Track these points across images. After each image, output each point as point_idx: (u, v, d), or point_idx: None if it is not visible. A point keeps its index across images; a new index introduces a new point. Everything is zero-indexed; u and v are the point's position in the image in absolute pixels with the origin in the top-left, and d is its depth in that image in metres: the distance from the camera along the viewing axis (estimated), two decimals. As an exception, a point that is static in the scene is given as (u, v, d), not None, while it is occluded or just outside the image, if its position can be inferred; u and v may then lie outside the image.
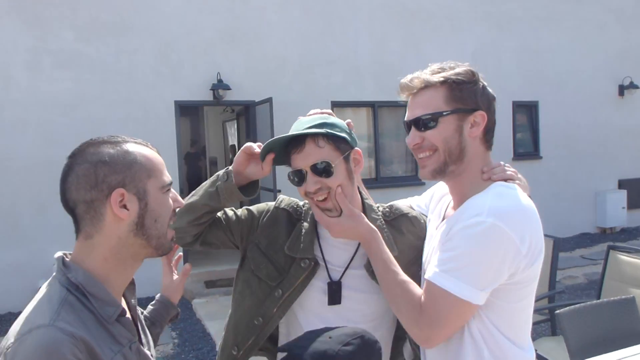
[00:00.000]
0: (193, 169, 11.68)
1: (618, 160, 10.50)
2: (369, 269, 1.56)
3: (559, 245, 4.21)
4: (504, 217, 1.26)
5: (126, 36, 6.96)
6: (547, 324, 4.37)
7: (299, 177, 1.54)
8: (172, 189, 1.26)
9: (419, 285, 1.48)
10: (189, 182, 9.30)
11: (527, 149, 9.72)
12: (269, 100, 7.06)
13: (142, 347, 1.25)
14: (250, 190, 1.69)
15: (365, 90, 8.29)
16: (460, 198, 1.43)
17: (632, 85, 10.55)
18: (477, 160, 1.42)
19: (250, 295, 1.68)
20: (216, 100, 7.42)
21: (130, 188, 1.15)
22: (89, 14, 6.78)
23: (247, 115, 7.94)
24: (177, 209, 1.28)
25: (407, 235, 1.66)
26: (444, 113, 1.37)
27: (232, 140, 10.09)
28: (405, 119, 1.47)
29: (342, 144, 1.52)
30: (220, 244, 1.75)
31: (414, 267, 1.59)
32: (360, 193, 1.68)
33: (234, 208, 1.78)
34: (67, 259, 1.17)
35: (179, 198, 1.28)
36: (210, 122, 11.97)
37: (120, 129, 6.85)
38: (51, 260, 1.24)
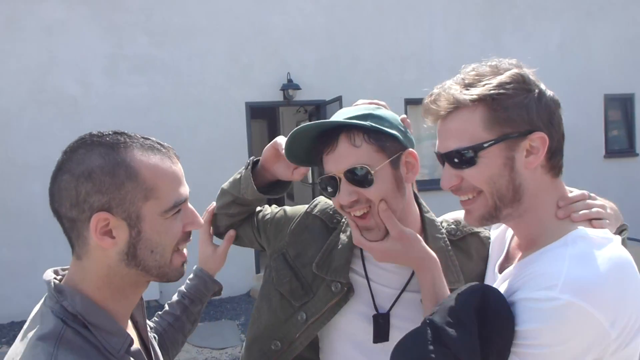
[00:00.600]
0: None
1: None
2: None
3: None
4: (586, 293, 0.92)
5: (197, 39, 7.05)
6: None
7: (330, 186, 1.21)
8: (188, 205, 1.03)
9: None
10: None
11: (621, 145, 8.95)
12: (338, 99, 6.90)
13: None
14: (277, 189, 1.45)
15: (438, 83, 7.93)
16: (527, 242, 1.10)
17: None
18: (544, 194, 1.07)
19: (268, 313, 1.38)
20: (286, 100, 7.36)
21: (117, 212, 0.91)
22: (162, 18, 6.92)
23: (318, 115, 7.83)
24: (185, 238, 1.03)
25: (477, 261, 1.30)
26: (485, 145, 1.02)
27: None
28: (436, 149, 1.12)
29: (389, 143, 1.18)
30: (248, 242, 1.52)
31: None
32: (419, 204, 1.33)
33: (275, 205, 1.56)
34: (58, 282, 0.95)
35: (196, 218, 1.04)
36: (286, 123, 11.99)
37: (192, 132, 6.96)
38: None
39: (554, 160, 1.06)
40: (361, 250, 1.31)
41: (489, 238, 1.34)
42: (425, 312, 1.13)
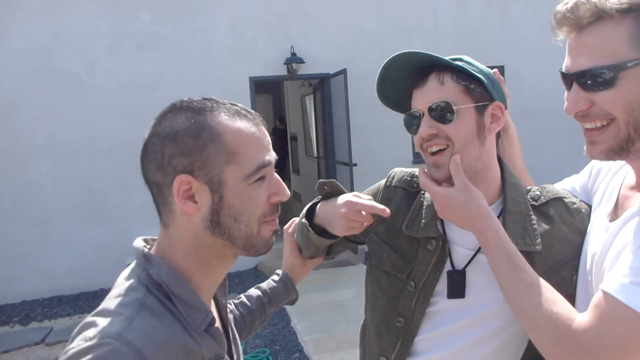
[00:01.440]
0: (280, 145, 11.76)
1: None
2: None
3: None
4: None
5: (201, 14, 7.01)
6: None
7: (415, 122, 1.22)
8: (274, 175, 0.99)
9: (569, 295, 1.09)
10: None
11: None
12: (343, 72, 6.88)
13: None
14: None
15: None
16: None
17: None
18: None
19: (382, 294, 1.37)
20: (290, 74, 7.34)
21: (199, 175, 0.90)
22: (164, -6, 6.88)
23: (322, 89, 7.81)
24: (274, 208, 0.99)
25: (559, 225, 1.25)
26: (629, 64, 0.87)
27: (310, 115, 10.02)
28: (563, 68, 0.99)
29: (477, 89, 1.19)
30: (345, 247, 1.52)
31: (564, 271, 1.21)
32: (502, 167, 1.29)
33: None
34: (147, 251, 0.96)
35: (283, 189, 0.99)
36: (290, 97, 11.96)
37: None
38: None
39: None
40: None
41: (577, 207, 1.28)
42: (495, 271, 1.11)
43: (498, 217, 1.23)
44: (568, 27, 0.94)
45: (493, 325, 1.23)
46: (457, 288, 1.24)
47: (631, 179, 1.05)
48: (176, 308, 0.90)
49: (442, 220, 1.29)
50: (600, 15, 0.89)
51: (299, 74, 7.39)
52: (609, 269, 1.00)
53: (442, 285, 1.27)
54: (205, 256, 0.96)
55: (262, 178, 0.95)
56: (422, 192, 1.34)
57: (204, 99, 0.96)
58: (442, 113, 1.16)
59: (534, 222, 1.23)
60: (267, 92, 13.10)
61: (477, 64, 1.24)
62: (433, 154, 1.21)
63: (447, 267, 1.27)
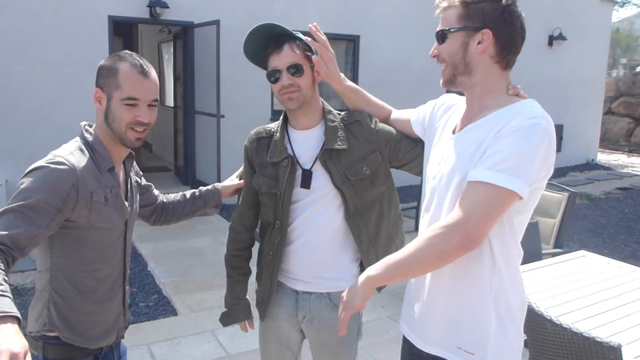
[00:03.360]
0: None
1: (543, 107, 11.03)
2: (322, 159, 1.85)
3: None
4: (551, 124, 1.37)
5: (56, -60, 6.47)
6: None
7: (276, 76, 1.80)
8: (141, 106, 1.61)
9: (363, 179, 1.84)
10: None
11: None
12: (215, 23, 6.86)
13: (122, 197, 1.70)
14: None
15: (307, 20, 8.13)
16: (480, 107, 1.51)
17: (560, 37, 11.05)
18: (491, 76, 1.48)
19: (266, 210, 1.98)
20: (153, 18, 7.11)
21: (105, 90, 1.62)
22: None
23: (185, 38, 7.69)
24: (134, 123, 1.62)
25: (361, 140, 1.89)
26: (452, 30, 1.46)
27: (168, 64, 9.77)
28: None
29: (310, 54, 1.82)
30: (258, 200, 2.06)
31: (359, 165, 1.85)
32: (323, 104, 1.95)
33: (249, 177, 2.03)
34: (86, 126, 1.71)
35: (144, 115, 1.61)
36: (145, 43, 11.48)
37: (49, 42, 6.51)
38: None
39: (502, 55, 1.47)
40: (289, 138, 1.93)
41: (370, 125, 1.90)
42: (401, 279, 1.51)
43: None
44: (438, 10, 1.54)
45: (332, 206, 1.88)
46: (305, 181, 1.87)
47: (463, 109, 1.60)
48: (94, 155, 1.63)
49: (291, 145, 1.91)
50: (450, 4, 1.49)
51: (162, 19, 7.20)
52: (458, 168, 1.46)
53: (296, 186, 1.88)
54: (108, 134, 1.65)
55: (133, 105, 1.60)
56: (275, 132, 1.95)
57: (126, 53, 1.63)
58: (295, 70, 1.79)
59: (342, 132, 1.87)
60: (117, 34, 12.36)
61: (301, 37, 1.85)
62: (288, 92, 1.81)
63: (299, 172, 1.87)
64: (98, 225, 1.60)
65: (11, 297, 1.21)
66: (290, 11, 8.05)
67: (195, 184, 7.59)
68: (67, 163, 1.51)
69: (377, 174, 1.89)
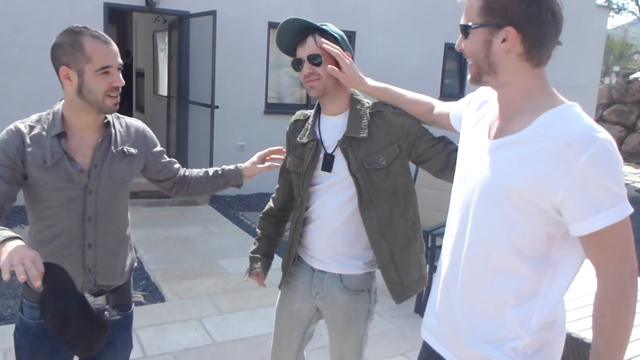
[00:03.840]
0: (126, 81, 11.13)
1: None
2: (342, 145, 1.93)
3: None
4: (603, 130, 1.29)
5: None
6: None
7: (299, 64, 1.94)
8: (116, 72, 1.75)
9: (379, 170, 1.89)
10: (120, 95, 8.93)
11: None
12: (212, 14, 6.84)
13: (68, 163, 1.77)
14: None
15: (302, 14, 8.14)
16: (513, 109, 1.39)
17: (556, 40, 11.13)
18: (520, 75, 1.36)
19: (291, 188, 2.16)
20: (149, 6, 7.09)
21: (72, 67, 1.71)
22: None
23: (181, 27, 7.67)
24: (110, 89, 1.75)
25: (382, 130, 1.94)
26: (473, 26, 1.34)
27: (162, 53, 9.73)
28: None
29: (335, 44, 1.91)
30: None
31: (376, 154, 1.90)
32: (351, 93, 2.03)
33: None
34: (58, 103, 1.85)
35: (117, 80, 1.75)
36: (140, 32, 11.41)
37: (42, 27, 6.47)
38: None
39: (532, 53, 1.34)
40: (319, 122, 2.04)
41: (392, 117, 1.94)
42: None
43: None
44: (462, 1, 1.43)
45: (349, 192, 1.94)
46: (327, 164, 1.97)
47: (496, 108, 1.47)
48: (50, 124, 1.78)
49: (319, 129, 2.02)
50: None
51: (158, 8, 7.17)
52: (494, 184, 1.36)
53: (318, 168, 1.98)
54: (77, 107, 1.77)
55: (106, 72, 1.72)
56: (309, 118, 2.09)
57: (82, 27, 1.69)
58: (315, 59, 1.90)
59: (365, 121, 1.93)
60: (111, 22, 12.29)
61: (335, 29, 1.95)
62: (309, 81, 1.92)
63: (321, 154, 1.98)
64: (43, 185, 1.77)
65: (9, 230, 1.54)
66: (286, 4, 8.05)
67: (187, 174, 7.57)
68: (15, 129, 1.77)
69: (393, 166, 1.92)
